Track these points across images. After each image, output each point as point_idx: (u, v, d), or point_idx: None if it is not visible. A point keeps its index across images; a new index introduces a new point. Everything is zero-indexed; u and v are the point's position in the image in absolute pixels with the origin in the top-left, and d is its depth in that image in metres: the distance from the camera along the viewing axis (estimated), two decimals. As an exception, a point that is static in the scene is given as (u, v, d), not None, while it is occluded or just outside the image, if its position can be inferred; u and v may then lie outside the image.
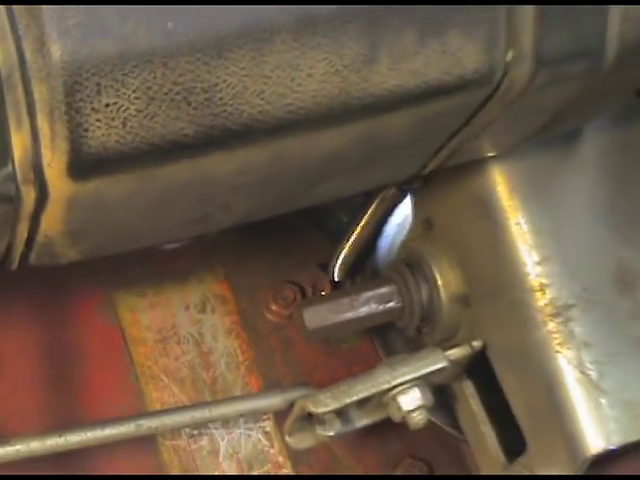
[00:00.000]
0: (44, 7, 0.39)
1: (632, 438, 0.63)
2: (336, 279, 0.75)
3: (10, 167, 0.39)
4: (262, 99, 0.43)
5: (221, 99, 0.42)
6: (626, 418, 0.61)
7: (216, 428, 0.76)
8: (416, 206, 0.68)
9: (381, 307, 0.68)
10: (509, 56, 0.48)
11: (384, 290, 0.68)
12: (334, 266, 0.73)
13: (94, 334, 0.77)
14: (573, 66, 0.51)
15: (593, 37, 0.50)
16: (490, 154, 0.62)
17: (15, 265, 0.54)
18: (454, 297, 0.68)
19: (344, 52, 0.43)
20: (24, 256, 0.51)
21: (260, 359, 0.76)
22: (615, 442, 0.60)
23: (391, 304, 0.68)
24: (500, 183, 0.63)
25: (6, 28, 0.39)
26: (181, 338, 0.78)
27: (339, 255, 0.72)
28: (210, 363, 0.78)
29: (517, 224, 0.64)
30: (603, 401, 0.63)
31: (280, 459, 0.76)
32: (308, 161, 0.49)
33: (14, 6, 0.38)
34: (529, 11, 0.47)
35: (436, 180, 0.69)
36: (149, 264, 0.79)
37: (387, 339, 0.76)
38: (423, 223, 0.70)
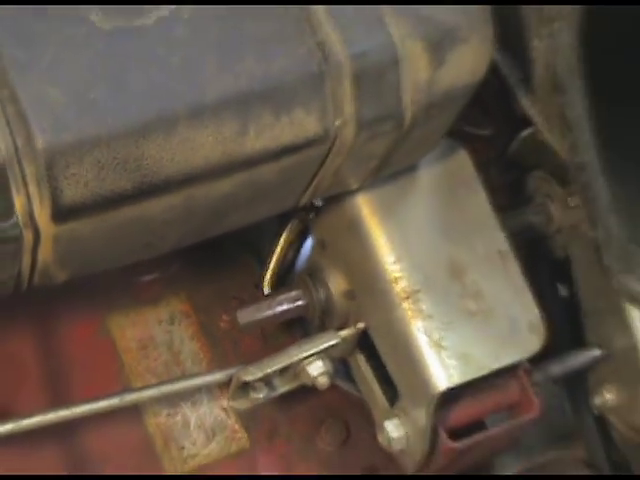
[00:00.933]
0: (30, 114, 0.53)
1: (466, 378, 0.79)
2: (265, 292, 0.91)
3: (14, 218, 0.52)
4: (173, 163, 0.57)
5: (147, 164, 0.55)
6: (461, 365, 0.72)
7: (187, 407, 0.91)
8: (313, 231, 0.81)
9: (292, 305, 0.83)
10: (337, 123, 0.61)
11: (293, 293, 0.81)
12: (262, 283, 0.89)
13: (92, 345, 0.90)
14: (383, 126, 0.64)
15: (394, 105, 0.63)
16: (351, 187, 0.74)
17: (25, 287, 0.66)
18: (343, 294, 0.79)
19: (224, 129, 0.57)
20: (30, 279, 0.64)
21: (217, 356, 0.89)
22: (455, 382, 0.72)
23: (298, 303, 0.80)
24: (364, 208, 0.73)
25: (4, 127, 0.54)
26: (157, 345, 0.92)
27: (265, 275, 0.89)
28: (180, 361, 0.90)
29: (378, 237, 0.77)
30: (444, 355, 0.77)
31: (236, 426, 0.91)
32: (210, 201, 0.60)
33: (7, 108, 0.53)
34: (347, 89, 0.60)
35: (323, 210, 0.78)
36: (131, 293, 0.95)
37: (305, 332, 0.92)
38: (319, 243, 0.81)
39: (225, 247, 0.92)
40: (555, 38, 0.58)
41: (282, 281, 0.88)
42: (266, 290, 0.87)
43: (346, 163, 0.67)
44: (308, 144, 0.62)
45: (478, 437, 0.75)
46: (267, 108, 0.59)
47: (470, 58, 0.66)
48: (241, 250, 0.93)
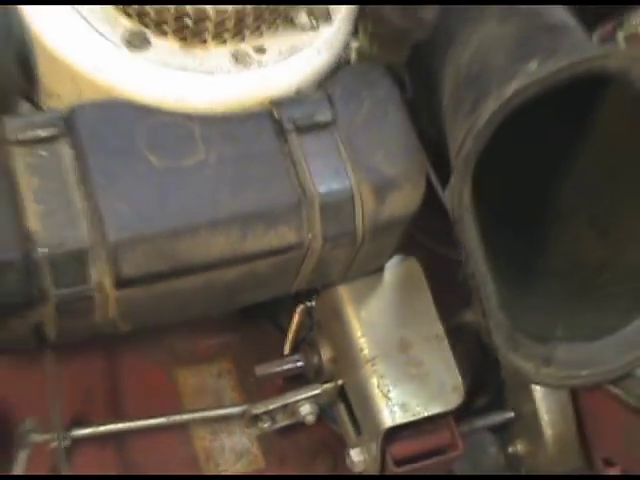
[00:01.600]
0: (105, 218, 0.71)
1: (404, 420, 0.90)
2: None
3: (90, 284, 0.72)
4: (196, 255, 0.75)
5: (178, 256, 0.74)
6: (401, 411, 0.88)
7: (224, 435, 1.09)
8: (313, 314, 1.02)
9: (294, 365, 1.02)
10: (309, 236, 0.80)
11: (296, 357, 1.01)
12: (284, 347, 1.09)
13: (157, 385, 1.11)
14: (342, 241, 0.83)
15: (349, 227, 0.82)
16: (330, 281, 0.93)
17: (99, 334, 0.85)
18: (329, 359, 0.98)
19: (231, 235, 0.75)
20: (102, 329, 0.82)
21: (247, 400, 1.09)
22: (396, 422, 0.90)
23: (299, 364, 1.00)
24: (343, 298, 0.94)
25: (89, 227, 0.71)
26: (208, 392, 1.13)
27: (285, 344, 1.09)
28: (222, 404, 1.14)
29: (352, 319, 0.93)
30: (390, 403, 0.87)
31: (256, 452, 1.09)
32: (224, 282, 0.80)
33: (90, 214, 0.71)
34: (317, 215, 0.79)
35: (319, 297, 0.99)
36: (194, 351, 1.15)
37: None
38: (316, 323, 1.01)
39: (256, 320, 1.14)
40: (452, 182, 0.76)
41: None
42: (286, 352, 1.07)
43: (318, 264, 0.85)
44: (289, 249, 0.81)
45: (415, 466, 0.94)
46: (261, 224, 0.78)
47: (403, 199, 0.83)
48: (266, 322, 1.15)
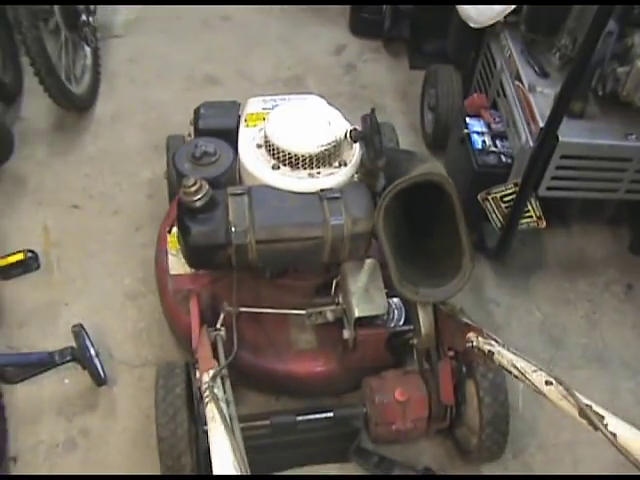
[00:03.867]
0: (256, 223, 2.26)
1: (363, 314, 2.28)
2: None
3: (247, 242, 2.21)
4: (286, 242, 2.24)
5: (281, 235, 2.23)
6: (361, 311, 2.26)
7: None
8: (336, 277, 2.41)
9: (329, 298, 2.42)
10: (326, 235, 2.23)
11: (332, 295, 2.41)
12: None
13: None
14: (339, 241, 2.25)
15: (342, 233, 2.19)
16: (341, 259, 2.27)
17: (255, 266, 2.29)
18: (341, 294, 2.40)
19: (297, 231, 2.22)
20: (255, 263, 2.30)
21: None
22: (359, 314, 2.24)
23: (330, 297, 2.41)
24: (345, 268, 2.34)
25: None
26: None
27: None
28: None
29: (348, 278, 2.35)
30: (357, 308, 2.26)
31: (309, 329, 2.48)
32: (294, 250, 2.29)
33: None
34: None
35: (339, 269, 2.42)
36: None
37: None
38: (338, 281, 2.42)
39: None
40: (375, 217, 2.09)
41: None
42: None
43: (331, 249, 2.09)
44: (318, 239, 2.09)
45: (369, 332, 2.20)
46: (309, 228, 2.19)
47: (364, 225, 2.05)
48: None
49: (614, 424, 1.27)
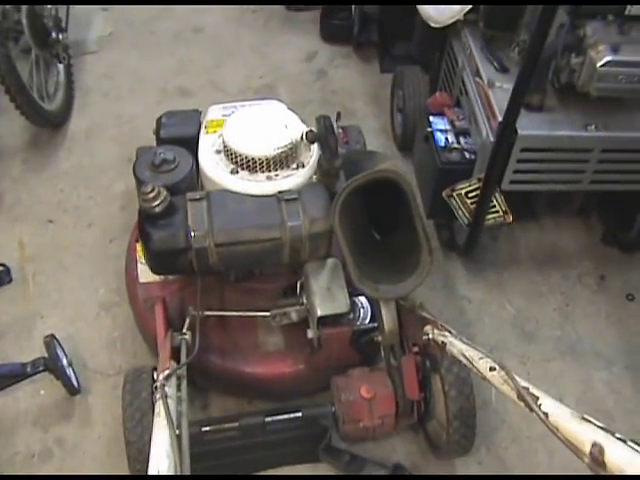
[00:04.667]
0: (215, 227, 2.28)
1: (325, 313, 2.28)
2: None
3: (207, 246, 2.23)
4: (244, 245, 2.27)
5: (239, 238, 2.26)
6: (322, 310, 2.27)
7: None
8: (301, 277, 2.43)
9: (295, 300, 2.44)
10: (284, 236, 2.25)
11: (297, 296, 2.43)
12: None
13: None
14: (297, 241, 2.26)
15: (300, 233, 2.20)
16: (302, 260, 2.27)
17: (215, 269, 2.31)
18: (305, 294, 2.42)
19: (255, 233, 2.24)
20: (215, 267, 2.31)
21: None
22: (321, 314, 2.27)
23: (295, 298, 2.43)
24: (307, 268, 2.36)
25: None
26: None
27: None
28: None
29: (311, 277, 2.37)
30: (320, 308, 2.28)
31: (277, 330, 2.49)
32: (253, 251, 2.30)
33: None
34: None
35: (301, 269, 2.44)
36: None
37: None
38: (302, 281, 2.44)
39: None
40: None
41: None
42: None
43: (291, 249, 2.14)
44: (276, 240, 2.16)
45: (332, 331, 2.22)
46: (267, 229, 2.21)
47: (322, 226, 2.08)
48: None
49: (547, 404, 1.28)
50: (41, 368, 2.40)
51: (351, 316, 2.28)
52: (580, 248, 3.15)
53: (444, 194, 2.66)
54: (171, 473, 1.32)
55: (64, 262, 2.93)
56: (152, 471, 1.32)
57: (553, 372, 2.70)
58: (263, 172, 2.20)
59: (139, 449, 2.01)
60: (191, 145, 2.34)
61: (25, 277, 2.85)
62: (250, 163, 2.19)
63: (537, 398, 1.33)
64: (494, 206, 2.64)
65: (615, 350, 2.81)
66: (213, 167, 2.23)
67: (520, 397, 1.37)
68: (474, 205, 2.64)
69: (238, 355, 2.37)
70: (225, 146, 2.22)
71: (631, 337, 2.84)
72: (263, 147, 2.19)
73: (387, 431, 2.26)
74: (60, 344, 2.46)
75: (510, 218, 2.67)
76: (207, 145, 2.31)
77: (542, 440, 2.51)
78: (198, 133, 2.39)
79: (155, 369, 2.14)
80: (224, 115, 2.41)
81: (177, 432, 1.50)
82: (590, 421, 1.18)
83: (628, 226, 3.02)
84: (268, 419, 2.23)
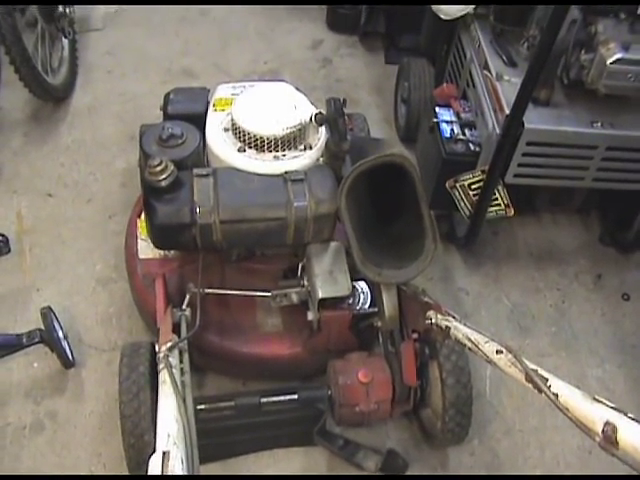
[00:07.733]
0: (221, 204, 2.26)
1: (326, 295, 2.23)
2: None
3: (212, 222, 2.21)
4: (247, 220, 2.25)
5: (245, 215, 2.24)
6: (324, 292, 2.26)
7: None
8: (303, 259, 2.42)
9: (296, 281, 2.41)
10: (289, 216, 2.23)
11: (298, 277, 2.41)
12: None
13: None
14: (302, 221, 2.26)
15: (305, 214, 2.23)
16: (306, 241, 2.20)
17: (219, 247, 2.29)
18: (306, 276, 2.40)
19: (261, 211, 2.23)
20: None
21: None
22: (322, 296, 2.19)
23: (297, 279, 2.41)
24: (310, 250, 2.33)
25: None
26: None
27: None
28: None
29: (314, 259, 2.36)
30: (321, 290, 2.27)
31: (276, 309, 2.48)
32: (258, 230, 2.28)
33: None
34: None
35: (304, 251, 2.43)
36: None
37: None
38: (304, 263, 2.43)
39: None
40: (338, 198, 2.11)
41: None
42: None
43: (295, 230, 2.11)
44: (282, 219, 2.11)
45: (332, 314, 2.21)
46: (274, 208, 2.19)
47: (328, 207, 2.07)
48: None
49: (557, 385, 1.28)
50: (37, 339, 2.37)
51: (351, 300, 2.26)
52: (578, 246, 3.16)
53: (447, 185, 2.65)
54: (180, 436, 1.31)
55: (62, 236, 2.91)
56: (162, 435, 1.31)
57: (547, 368, 2.61)
58: (270, 152, 2.19)
59: (135, 423, 1.99)
60: (198, 122, 2.31)
61: (22, 249, 2.83)
62: (258, 142, 2.18)
63: (546, 380, 1.33)
64: (496, 199, 2.64)
65: (609, 348, 2.81)
66: (220, 144, 2.21)
67: (529, 379, 1.37)
68: (477, 197, 2.63)
69: (236, 334, 2.35)
70: (234, 124, 2.20)
71: (625, 336, 2.84)
72: (272, 126, 2.17)
73: (382, 417, 2.25)
74: (56, 316, 2.43)
75: (512, 211, 2.67)
76: (215, 122, 2.29)
77: (535, 434, 2.52)
78: (206, 111, 2.37)
79: (153, 345, 2.12)
80: (233, 94, 2.39)
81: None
82: (601, 401, 1.18)
83: (627, 226, 3.03)
84: (264, 400, 2.21)
